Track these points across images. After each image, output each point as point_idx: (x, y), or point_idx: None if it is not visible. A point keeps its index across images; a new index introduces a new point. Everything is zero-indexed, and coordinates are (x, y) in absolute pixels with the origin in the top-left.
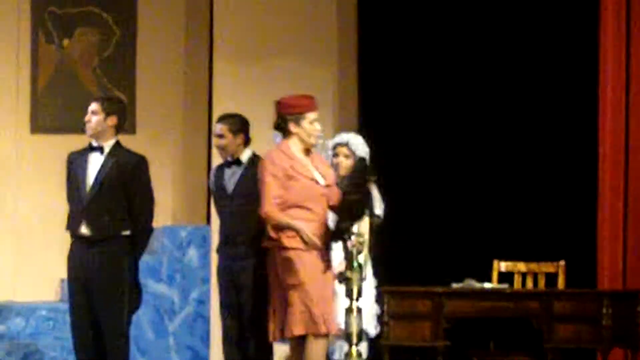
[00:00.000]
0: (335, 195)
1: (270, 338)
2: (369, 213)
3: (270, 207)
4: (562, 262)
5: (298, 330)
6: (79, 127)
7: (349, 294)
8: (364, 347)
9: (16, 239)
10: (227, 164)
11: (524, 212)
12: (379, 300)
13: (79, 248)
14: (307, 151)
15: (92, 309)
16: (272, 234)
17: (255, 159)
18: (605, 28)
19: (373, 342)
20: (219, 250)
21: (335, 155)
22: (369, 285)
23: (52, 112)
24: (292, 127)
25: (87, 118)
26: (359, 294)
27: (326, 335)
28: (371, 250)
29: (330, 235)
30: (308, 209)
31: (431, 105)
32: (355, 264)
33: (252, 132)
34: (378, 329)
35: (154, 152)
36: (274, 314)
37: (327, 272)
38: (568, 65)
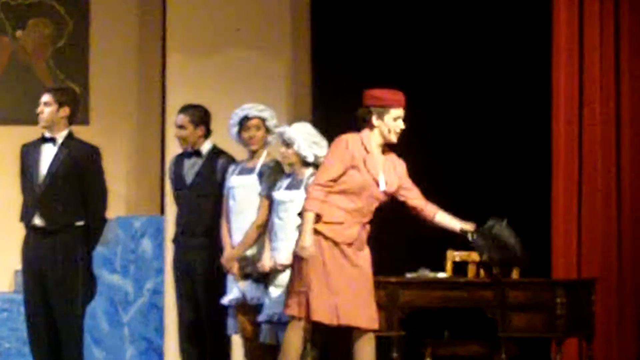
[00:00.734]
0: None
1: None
2: None
3: (316, 193)
4: None
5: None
6: (33, 119)
7: None
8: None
9: None
10: (186, 155)
11: (477, 201)
12: None
13: (33, 239)
14: (384, 149)
15: (46, 299)
16: None
17: (215, 151)
18: (558, 17)
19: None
20: (175, 241)
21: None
22: None
23: (6, 104)
24: (375, 119)
25: (39, 109)
26: None
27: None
28: None
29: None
30: (353, 202)
31: None
32: None
33: None
34: None
35: (108, 143)
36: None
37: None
38: (521, 55)
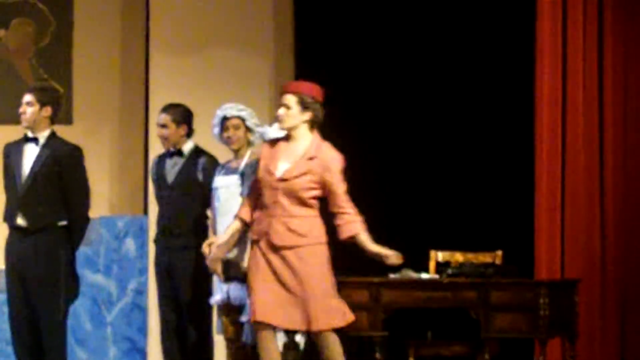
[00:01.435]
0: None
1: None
2: None
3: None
4: (499, 252)
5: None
6: (16, 118)
7: None
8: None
9: None
10: (168, 154)
11: (461, 202)
12: None
13: (16, 239)
14: (316, 140)
15: (29, 299)
16: None
17: (196, 151)
18: (541, 21)
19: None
20: (156, 241)
21: (226, 129)
22: None
23: None
24: None
25: (21, 110)
26: None
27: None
28: None
29: None
30: (262, 196)
31: (368, 95)
32: None
33: None
34: None
35: (91, 143)
36: None
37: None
38: (504, 55)
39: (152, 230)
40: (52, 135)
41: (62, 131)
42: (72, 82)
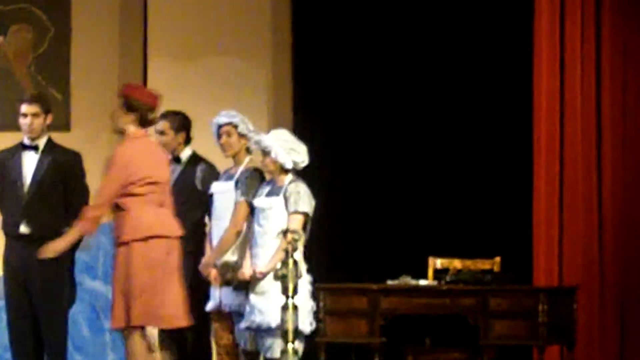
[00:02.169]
0: None
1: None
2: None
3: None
4: (497, 259)
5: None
6: (13, 124)
7: (284, 291)
8: (299, 344)
9: None
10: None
11: (459, 208)
12: (313, 296)
13: (17, 247)
14: None
15: (32, 306)
16: None
17: (194, 158)
18: (539, 21)
19: (308, 339)
20: None
21: (219, 136)
22: (304, 281)
23: None
24: None
25: (27, 121)
26: (295, 291)
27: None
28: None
29: None
30: None
31: (366, 101)
32: (290, 261)
33: None
34: (313, 325)
35: (89, 150)
36: None
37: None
38: (502, 61)
39: None
40: (50, 141)
41: (60, 138)
42: (70, 88)
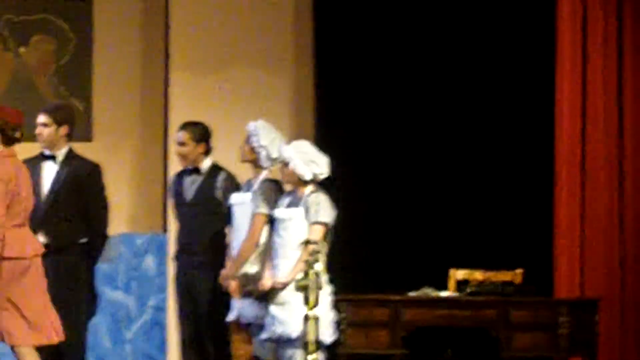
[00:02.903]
0: None
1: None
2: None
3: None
4: (519, 271)
5: None
6: (35, 135)
7: (306, 302)
8: (320, 355)
9: None
10: (187, 172)
11: (480, 220)
12: (334, 307)
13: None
14: None
15: None
16: None
17: (215, 169)
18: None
19: (328, 350)
20: (176, 258)
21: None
22: (325, 292)
23: None
24: None
25: (38, 131)
26: (316, 302)
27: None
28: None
29: None
30: None
31: (388, 112)
32: (312, 272)
33: None
34: (334, 336)
35: (111, 160)
36: None
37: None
38: (524, 73)
39: (172, 248)
40: (70, 152)
41: (82, 148)
42: (92, 99)
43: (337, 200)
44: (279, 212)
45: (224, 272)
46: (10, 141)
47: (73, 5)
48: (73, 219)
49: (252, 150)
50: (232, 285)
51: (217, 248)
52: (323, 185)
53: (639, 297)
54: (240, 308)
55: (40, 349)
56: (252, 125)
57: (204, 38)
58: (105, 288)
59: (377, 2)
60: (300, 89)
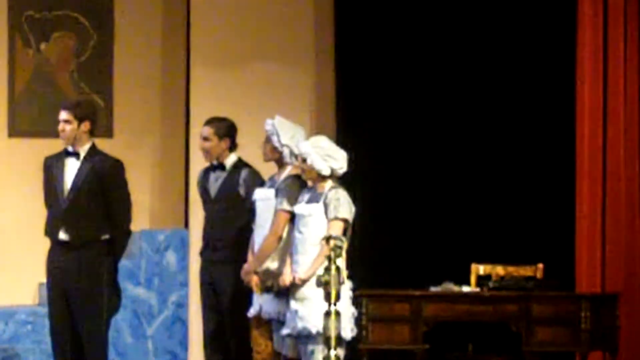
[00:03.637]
0: None
1: None
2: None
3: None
4: (540, 265)
5: None
6: (57, 131)
7: (327, 297)
8: (341, 350)
9: None
10: (213, 168)
11: (501, 215)
12: (355, 303)
13: (58, 253)
14: None
15: (71, 313)
16: None
17: (238, 164)
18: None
19: (349, 345)
20: (201, 254)
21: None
22: (346, 288)
23: (30, 116)
24: None
25: (60, 127)
26: (337, 298)
27: None
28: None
29: None
30: None
31: (409, 108)
32: (333, 268)
33: None
34: (354, 332)
35: (132, 156)
36: None
37: None
38: (545, 70)
39: (193, 244)
40: (93, 148)
41: (103, 144)
42: (113, 95)
43: (358, 195)
44: (299, 208)
45: (245, 267)
46: None
47: (94, 2)
48: (95, 216)
49: (274, 149)
50: (254, 280)
51: (241, 244)
52: (343, 180)
53: None
54: (261, 303)
55: (62, 345)
56: (269, 124)
57: (225, 33)
58: (127, 284)
59: None
60: (322, 83)
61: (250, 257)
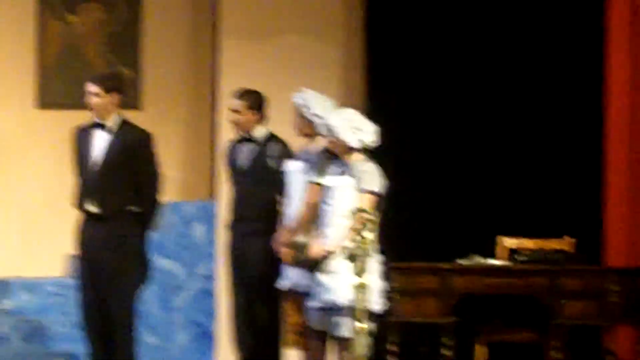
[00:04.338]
0: None
1: None
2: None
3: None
4: (569, 239)
5: None
6: (85, 103)
7: (355, 270)
8: (370, 323)
9: (23, 214)
10: (242, 140)
11: (529, 187)
12: (384, 276)
13: (87, 225)
14: None
15: (100, 285)
16: None
17: (269, 137)
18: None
19: (378, 318)
20: (230, 226)
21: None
22: (375, 261)
23: (59, 88)
24: None
25: (88, 100)
26: (365, 271)
27: None
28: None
29: None
30: None
31: (439, 80)
32: (361, 241)
33: None
34: (383, 305)
35: (160, 128)
36: None
37: None
38: (572, 42)
39: (221, 216)
40: (122, 120)
41: (131, 116)
42: (140, 67)
43: (386, 169)
44: (329, 180)
45: (276, 238)
46: None
47: None
48: (123, 188)
49: (306, 121)
50: (285, 252)
51: (271, 216)
52: (373, 154)
53: None
54: (293, 276)
55: (91, 318)
56: (299, 97)
57: (254, 5)
58: (155, 256)
59: None
60: (351, 56)
61: (281, 229)
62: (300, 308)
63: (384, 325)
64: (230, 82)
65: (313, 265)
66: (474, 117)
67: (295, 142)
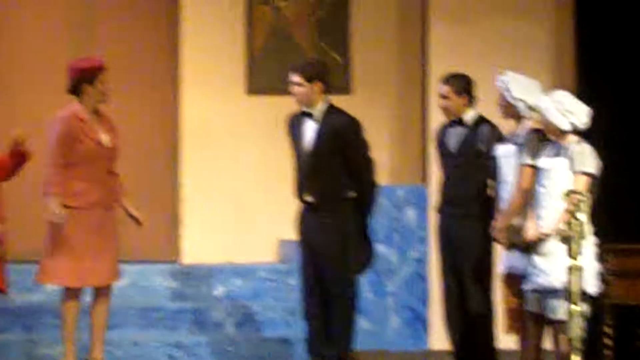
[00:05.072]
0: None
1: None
2: (580, 171)
3: (53, 169)
4: None
5: None
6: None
7: (569, 252)
8: (585, 306)
9: (236, 200)
10: (452, 124)
11: None
12: (599, 258)
13: (305, 214)
14: (97, 112)
15: (319, 272)
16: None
17: (479, 120)
18: None
19: (593, 301)
20: (440, 210)
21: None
22: (589, 243)
23: (268, 74)
24: (85, 88)
25: (291, 90)
26: (580, 253)
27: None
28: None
29: None
30: (88, 169)
31: None
32: (575, 223)
33: None
34: (599, 287)
35: (370, 113)
36: None
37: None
38: None
39: (432, 199)
40: (329, 107)
41: (341, 101)
42: (350, 52)
43: (600, 150)
44: (543, 162)
45: (494, 224)
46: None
47: None
48: (337, 175)
49: (508, 104)
50: (501, 235)
51: (480, 200)
52: (586, 135)
53: None
54: (509, 260)
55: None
56: (500, 81)
57: None
58: None
59: None
60: (561, 37)
61: (497, 214)
62: (517, 292)
63: (599, 307)
64: (440, 64)
65: (529, 248)
66: None
67: (506, 125)
